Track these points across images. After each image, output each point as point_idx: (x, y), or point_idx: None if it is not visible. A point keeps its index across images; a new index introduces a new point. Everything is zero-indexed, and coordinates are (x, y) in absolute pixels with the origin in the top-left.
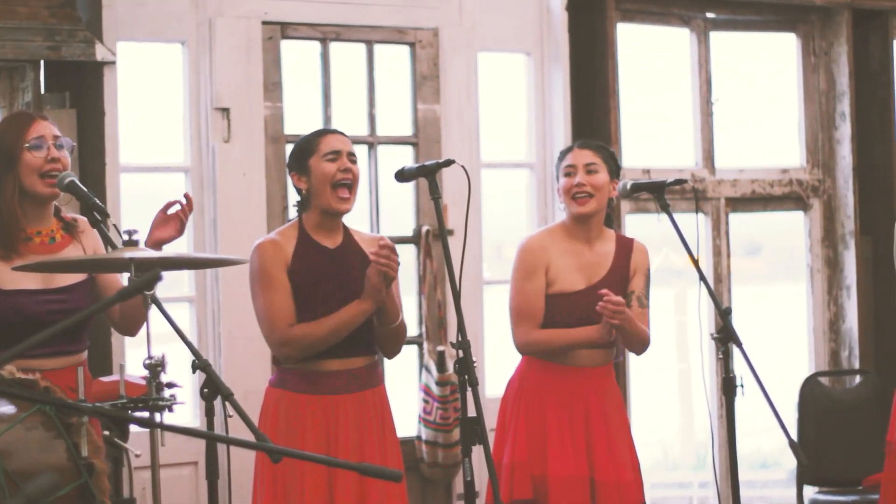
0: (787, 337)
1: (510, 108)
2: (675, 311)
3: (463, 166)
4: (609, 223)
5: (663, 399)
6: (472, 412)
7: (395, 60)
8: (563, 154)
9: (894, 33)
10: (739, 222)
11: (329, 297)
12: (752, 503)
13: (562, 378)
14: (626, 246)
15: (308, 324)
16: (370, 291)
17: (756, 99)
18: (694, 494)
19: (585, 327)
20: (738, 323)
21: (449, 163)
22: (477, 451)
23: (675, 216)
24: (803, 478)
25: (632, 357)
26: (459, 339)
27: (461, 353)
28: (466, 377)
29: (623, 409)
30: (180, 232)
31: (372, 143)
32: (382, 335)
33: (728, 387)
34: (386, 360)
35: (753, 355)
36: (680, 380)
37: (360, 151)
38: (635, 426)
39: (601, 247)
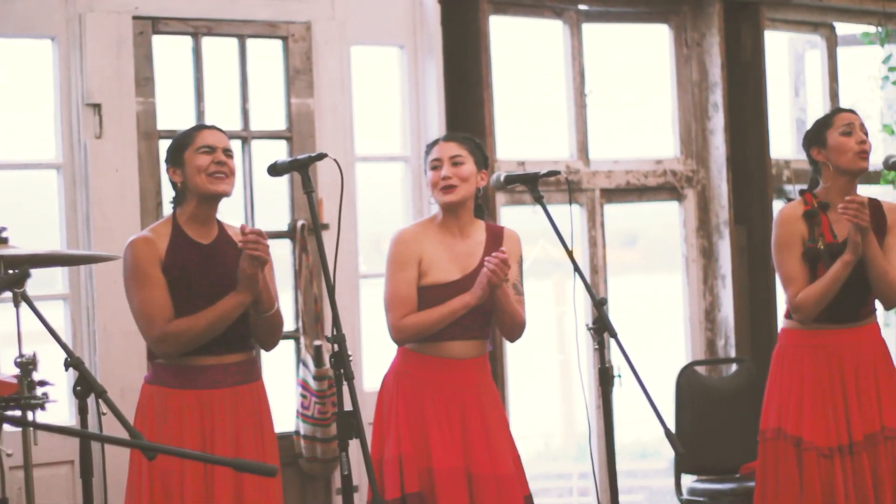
0: (664, 326)
1: (384, 102)
2: (554, 302)
3: (335, 160)
4: (480, 214)
5: (544, 390)
6: (349, 406)
7: (267, 54)
8: (429, 148)
9: (766, 24)
10: (618, 213)
11: (205, 292)
12: (633, 492)
13: (437, 371)
14: (496, 234)
15: (186, 318)
16: (245, 282)
17: (630, 90)
18: (574, 485)
19: (458, 297)
20: (616, 313)
21: (321, 156)
22: (355, 446)
23: (551, 208)
24: (681, 466)
25: (511, 348)
26: (334, 333)
27: (336, 348)
28: (342, 371)
29: (500, 403)
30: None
31: (245, 137)
32: (259, 325)
33: (604, 377)
34: (264, 355)
35: (632, 345)
36: (560, 370)
37: (234, 146)
38: (517, 418)
39: (473, 237)
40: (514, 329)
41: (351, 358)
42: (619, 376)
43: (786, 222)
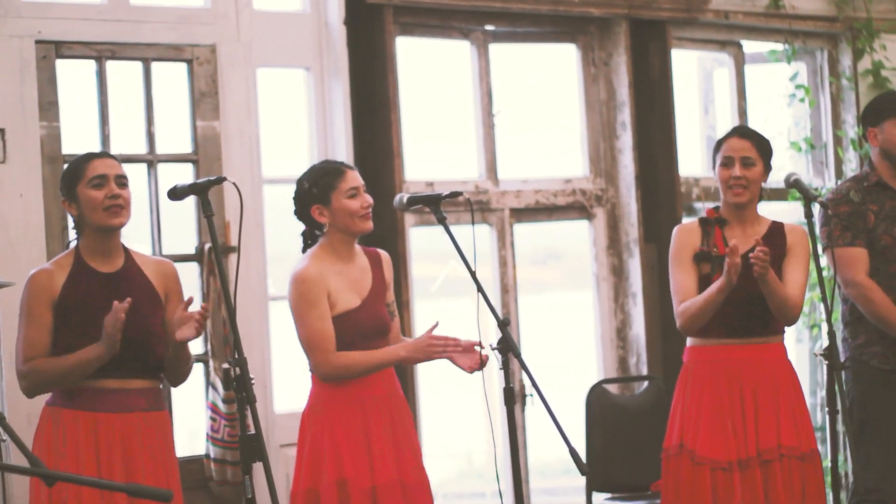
0: (577, 345)
1: (291, 124)
2: (467, 321)
3: (234, 183)
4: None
5: (467, 408)
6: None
7: (172, 77)
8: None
9: (673, 42)
10: (532, 232)
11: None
12: None
13: (369, 385)
14: (376, 258)
15: (47, 359)
16: (106, 340)
17: (538, 110)
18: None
19: (387, 349)
20: (529, 332)
21: (221, 180)
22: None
23: (461, 228)
24: (592, 485)
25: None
26: (235, 356)
27: (238, 371)
28: (244, 394)
29: (410, 411)
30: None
31: (151, 161)
32: (172, 365)
33: (509, 397)
34: None
35: (546, 364)
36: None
37: (140, 170)
38: (438, 436)
39: (359, 262)
40: None
41: (253, 381)
42: (532, 395)
43: (679, 235)
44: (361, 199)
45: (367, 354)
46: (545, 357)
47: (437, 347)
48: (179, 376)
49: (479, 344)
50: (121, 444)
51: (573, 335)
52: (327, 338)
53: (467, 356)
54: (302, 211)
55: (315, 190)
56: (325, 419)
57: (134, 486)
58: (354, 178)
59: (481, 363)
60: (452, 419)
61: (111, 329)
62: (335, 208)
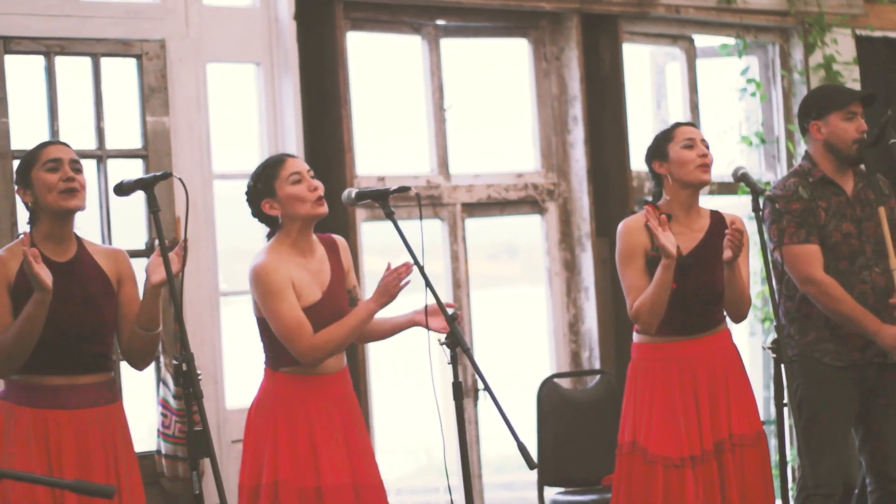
0: (530, 339)
1: (242, 119)
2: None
3: (180, 179)
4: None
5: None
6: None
7: (122, 73)
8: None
9: (624, 37)
10: (484, 227)
11: (63, 310)
12: None
13: (315, 387)
14: (332, 245)
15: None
16: (33, 281)
17: (490, 104)
18: (440, 499)
19: (359, 307)
20: (481, 327)
21: (166, 175)
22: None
23: (414, 223)
24: (543, 479)
25: (379, 361)
26: (181, 352)
27: (185, 366)
28: (191, 390)
29: (361, 413)
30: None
31: (101, 156)
32: (139, 342)
33: (457, 391)
34: (124, 375)
35: (499, 359)
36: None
37: (89, 165)
38: (395, 432)
39: (317, 252)
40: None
41: (200, 376)
42: (483, 390)
43: (627, 234)
44: (307, 184)
45: (343, 322)
46: (498, 352)
47: (393, 280)
48: (146, 358)
49: (451, 305)
50: (74, 440)
51: (526, 330)
52: (304, 324)
53: (437, 319)
54: (255, 210)
55: (259, 185)
56: (271, 417)
57: (77, 483)
58: (295, 164)
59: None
60: (410, 414)
61: (30, 270)
62: (281, 197)
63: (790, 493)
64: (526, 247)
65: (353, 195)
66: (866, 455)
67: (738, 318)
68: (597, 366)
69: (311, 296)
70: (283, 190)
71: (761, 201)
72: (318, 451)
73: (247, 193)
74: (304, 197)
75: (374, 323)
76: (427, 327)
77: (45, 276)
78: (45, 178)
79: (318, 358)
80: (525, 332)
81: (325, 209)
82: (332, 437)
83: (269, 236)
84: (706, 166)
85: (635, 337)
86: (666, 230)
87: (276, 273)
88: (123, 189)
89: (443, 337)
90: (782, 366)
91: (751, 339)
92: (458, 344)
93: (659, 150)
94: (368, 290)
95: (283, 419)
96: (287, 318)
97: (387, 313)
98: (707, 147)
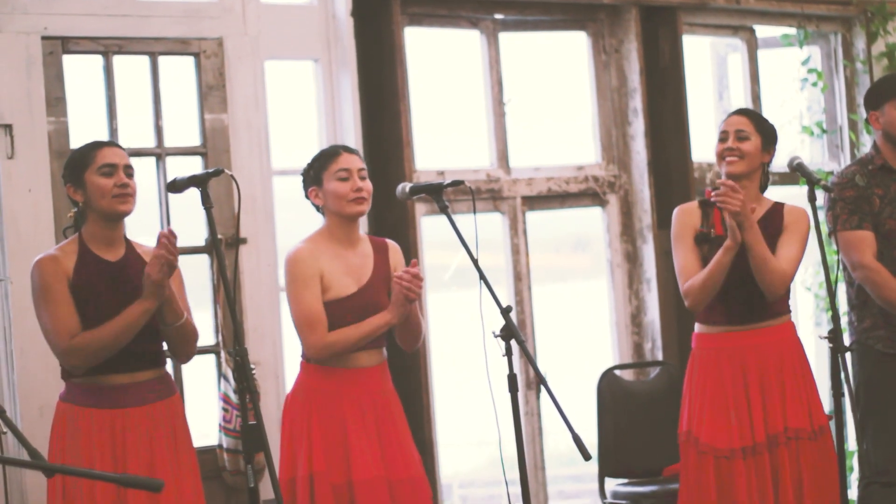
0: (593, 332)
1: (301, 116)
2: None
3: (232, 175)
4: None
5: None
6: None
7: (180, 71)
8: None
9: (684, 28)
10: (545, 220)
11: (112, 309)
12: (581, 496)
13: (349, 382)
14: (381, 246)
15: (91, 331)
16: (150, 288)
17: (549, 98)
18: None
19: (376, 315)
20: (543, 320)
21: (218, 172)
22: None
23: (475, 217)
24: (604, 470)
25: (440, 355)
26: (235, 347)
27: (239, 360)
28: (245, 384)
29: (401, 406)
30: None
31: (160, 154)
32: (170, 337)
33: (512, 384)
34: (185, 370)
35: (562, 351)
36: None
37: (148, 164)
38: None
39: (361, 249)
40: (417, 338)
41: (254, 370)
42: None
43: (680, 215)
44: (352, 183)
45: (357, 326)
46: (560, 345)
47: (401, 286)
48: (184, 350)
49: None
50: (139, 437)
51: (589, 322)
52: (321, 318)
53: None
54: (305, 194)
55: (312, 172)
56: (305, 409)
57: (125, 476)
58: (348, 161)
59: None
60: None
61: (157, 275)
62: (326, 190)
63: (848, 484)
64: (587, 240)
65: (408, 189)
66: None
67: (767, 290)
68: (659, 357)
69: (345, 288)
70: (329, 182)
71: (816, 191)
72: (350, 444)
73: (302, 175)
74: (345, 195)
75: None
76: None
77: (164, 281)
78: (100, 182)
79: (324, 355)
80: (587, 324)
81: (363, 208)
82: (364, 430)
83: None
84: (725, 159)
85: (696, 327)
86: (739, 193)
87: (304, 263)
88: (177, 186)
89: (498, 329)
90: (840, 355)
91: (816, 328)
92: (512, 336)
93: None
94: (430, 284)
95: (316, 412)
96: (305, 309)
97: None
98: (742, 138)
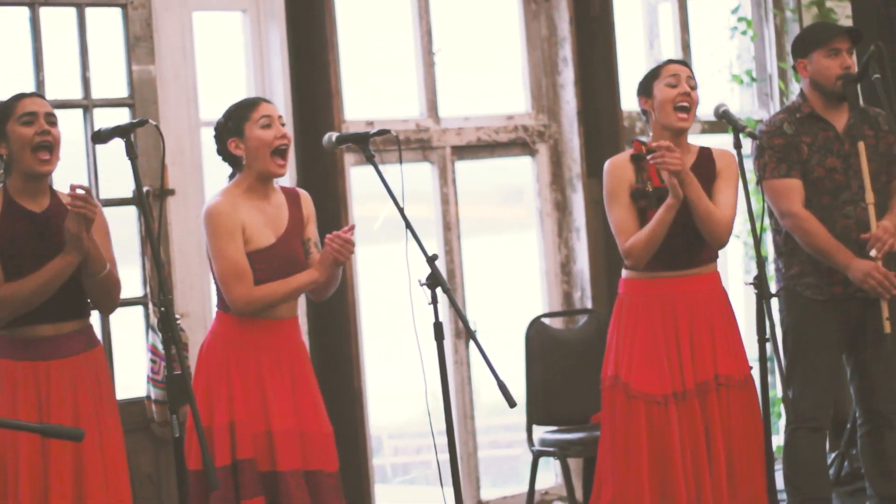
0: (523, 281)
1: (229, 66)
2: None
3: (157, 125)
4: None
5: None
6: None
7: (107, 22)
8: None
9: None
10: (475, 169)
11: (39, 260)
12: (512, 446)
13: (268, 332)
14: (293, 196)
15: (13, 283)
16: (71, 241)
17: (479, 47)
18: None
19: (302, 273)
20: (473, 270)
21: (143, 122)
22: None
23: (405, 166)
24: (532, 418)
25: (371, 307)
26: (160, 297)
27: (163, 311)
28: (169, 335)
29: (310, 361)
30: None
31: (87, 105)
32: (93, 288)
33: (437, 332)
34: (113, 323)
35: (491, 301)
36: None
37: (76, 115)
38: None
39: (275, 199)
40: (328, 293)
41: (180, 320)
42: (475, 331)
43: (613, 171)
44: (276, 130)
45: (284, 282)
46: (491, 294)
47: (336, 247)
48: (106, 302)
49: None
50: (64, 388)
51: (519, 271)
52: (247, 271)
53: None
54: (221, 147)
55: (230, 123)
56: (223, 359)
57: (45, 426)
58: (268, 108)
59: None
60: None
61: (74, 227)
62: (248, 139)
63: (776, 430)
64: (512, 189)
65: (334, 139)
66: (855, 389)
67: (714, 241)
68: (589, 306)
69: (264, 239)
70: (251, 131)
71: (742, 138)
72: (268, 395)
73: (216, 129)
74: (269, 142)
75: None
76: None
77: (82, 234)
78: (21, 131)
79: (248, 310)
80: (518, 274)
81: (283, 171)
82: (280, 381)
83: (232, 177)
84: (685, 111)
85: (623, 272)
86: (675, 152)
87: (227, 216)
88: (101, 137)
89: (424, 278)
90: (765, 302)
91: (745, 276)
92: (438, 284)
93: (646, 86)
94: (359, 235)
95: (234, 362)
96: (231, 263)
97: None
98: (694, 86)
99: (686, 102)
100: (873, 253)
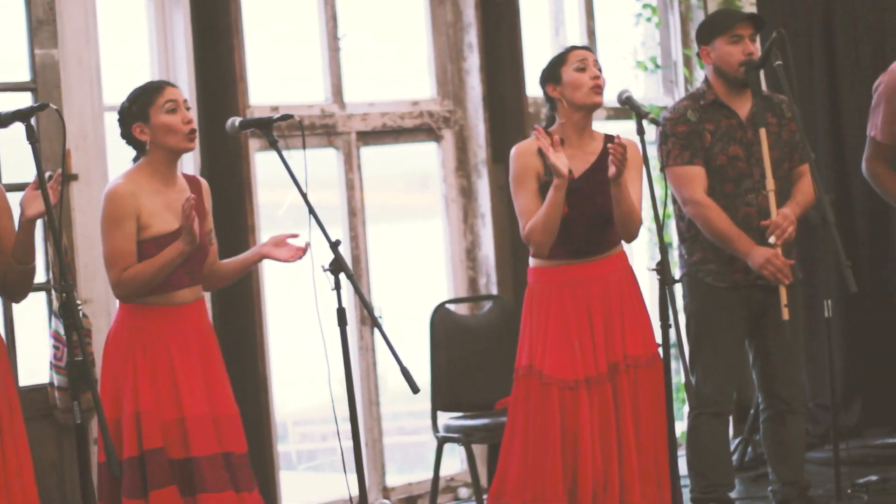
0: (429, 267)
1: (133, 51)
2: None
3: (57, 110)
4: None
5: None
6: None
7: (9, 5)
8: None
9: None
10: (383, 156)
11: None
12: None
13: (174, 319)
14: (196, 183)
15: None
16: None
17: (385, 33)
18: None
19: (171, 245)
20: (378, 255)
21: (43, 106)
22: None
23: (308, 152)
24: (437, 404)
25: (276, 294)
26: (61, 283)
27: (64, 296)
28: (70, 320)
29: (218, 344)
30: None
31: None
32: (15, 277)
33: (340, 318)
34: (16, 309)
35: (397, 286)
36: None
37: None
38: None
39: (180, 184)
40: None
41: (81, 306)
42: (381, 317)
43: (519, 157)
44: (182, 115)
45: (151, 261)
46: (397, 281)
47: (184, 212)
48: (23, 291)
49: (293, 235)
50: None
51: (424, 257)
52: (127, 257)
53: (283, 249)
54: (125, 131)
55: (134, 108)
56: (129, 348)
57: None
58: (173, 93)
59: (304, 251)
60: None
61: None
62: (154, 124)
63: (680, 416)
64: (417, 175)
65: (237, 124)
66: (757, 375)
67: (629, 237)
68: (494, 292)
69: (167, 224)
70: (157, 116)
71: (646, 125)
72: (179, 381)
73: (119, 114)
74: (176, 128)
75: (220, 265)
76: (275, 258)
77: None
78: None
79: (122, 293)
80: (424, 260)
81: (193, 145)
82: (190, 366)
83: (135, 160)
84: (599, 88)
85: (531, 261)
86: (558, 150)
87: (122, 200)
88: (1, 121)
89: (327, 263)
90: (667, 287)
91: (651, 262)
92: (341, 270)
93: (552, 73)
94: (263, 221)
95: (140, 351)
96: (109, 248)
97: None
98: (600, 70)
99: (598, 85)
100: (772, 240)
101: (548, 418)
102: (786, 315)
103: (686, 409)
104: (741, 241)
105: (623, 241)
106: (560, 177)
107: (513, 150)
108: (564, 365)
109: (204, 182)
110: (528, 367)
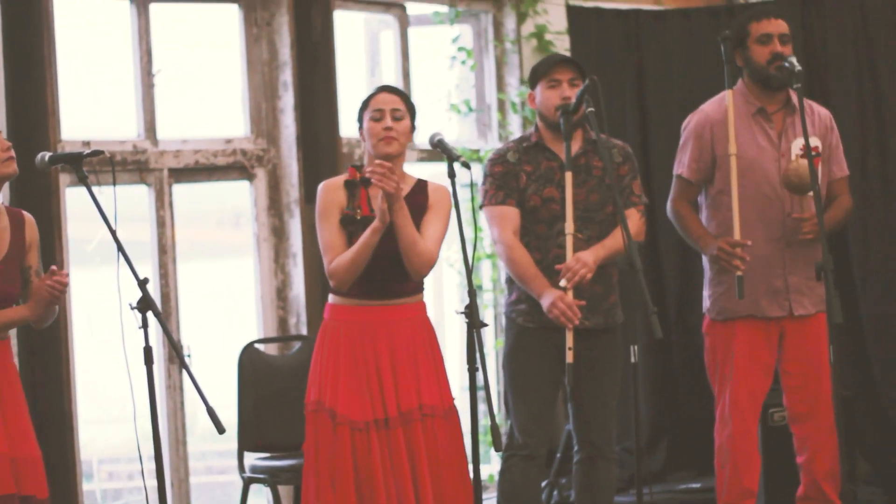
0: (240, 306)
1: None
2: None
3: None
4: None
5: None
6: None
7: None
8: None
9: (336, 3)
10: (196, 194)
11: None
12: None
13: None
14: (19, 218)
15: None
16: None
17: (200, 70)
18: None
19: (12, 309)
20: (189, 294)
21: None
22: None
23: (120, 189)
24: (243, 445)
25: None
26: None
27: None
28: None
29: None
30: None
31: None
32: None
33: (147, 357)
34: None
35: (207, 326)
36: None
37: None
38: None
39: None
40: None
41: None
42: (189, 356)
43: (325, 192)
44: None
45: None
46: (207, 319)
47: (50, 289)
48: None
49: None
50: None
51: (235, 296)
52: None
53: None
54: None
55: None
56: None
57: None
58: None
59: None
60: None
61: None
62: None
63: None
64: (230, 213)
65: (47, 159)
66: (571, 417)
67: (414, 272)
68: (304, 331)
69: None
70: None
71: (457, 167)
72: None
73: None
74: None
75: None
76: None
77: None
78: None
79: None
80: (235, 299)
81: (12, 169)
82: None
83: None
84: (390, 139)
85: (330, 297)
86: (395, 176)
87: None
88: None
89: (134, 301)
90: (475, 331)
91: (462, 305)
92: (148, 308)
93: (359, 116)
94: (73, 257)
95: None
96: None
97: None
98: (398, 118)
99: (389, 136)
100: (563, 283)
101: (340, 460)
102: (569, 358)
103: (493, 451)
104: (536, 281)
105: (415, 280)
106: (382, 221)
107: (320, 186)
108: (355, 406)
109: (29, 218)
110: (316, 402)
